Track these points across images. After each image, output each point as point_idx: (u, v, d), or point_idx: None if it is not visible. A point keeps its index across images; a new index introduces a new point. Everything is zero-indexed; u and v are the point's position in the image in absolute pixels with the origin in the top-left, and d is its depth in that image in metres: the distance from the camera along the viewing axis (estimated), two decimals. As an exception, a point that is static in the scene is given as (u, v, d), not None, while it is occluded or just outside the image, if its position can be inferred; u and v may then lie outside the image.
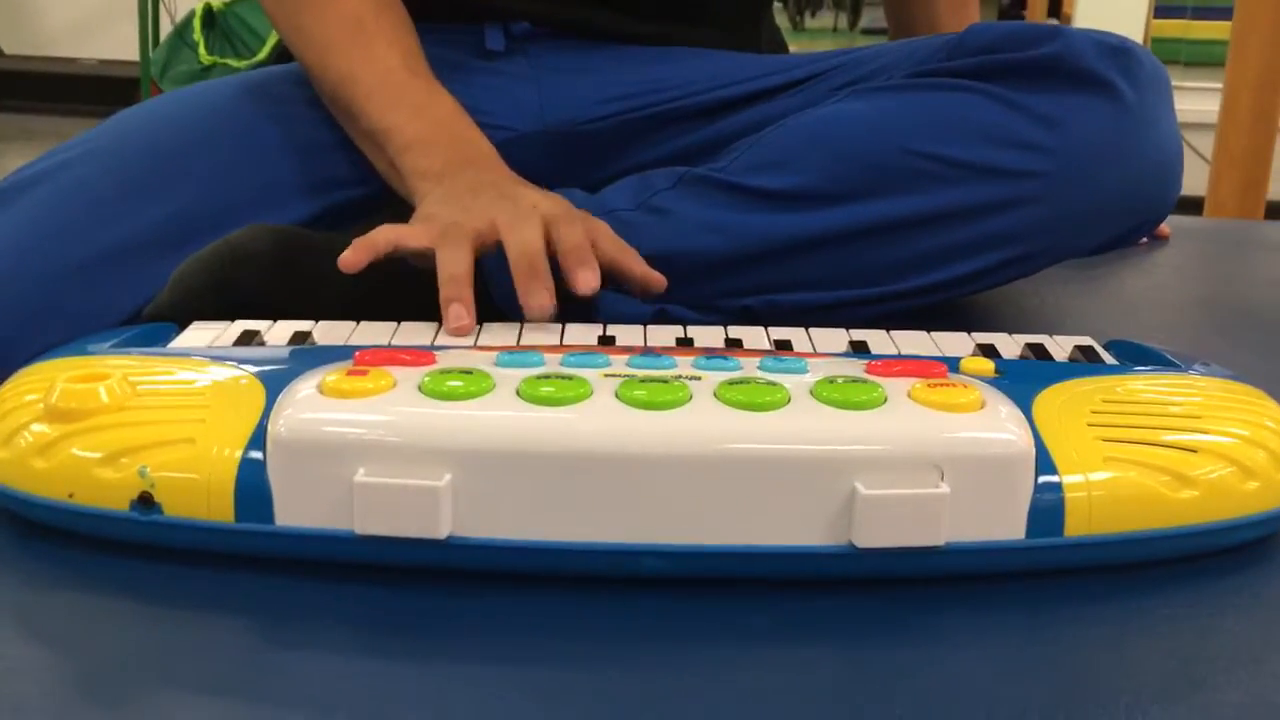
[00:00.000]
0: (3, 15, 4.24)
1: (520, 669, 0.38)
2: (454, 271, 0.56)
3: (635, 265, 0.62)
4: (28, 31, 4.25)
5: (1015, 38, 0.67)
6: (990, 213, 0.66)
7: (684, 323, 0.64)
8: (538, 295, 0.56)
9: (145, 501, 0.42)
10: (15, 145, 3.46)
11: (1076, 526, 0.42)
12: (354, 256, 0.57)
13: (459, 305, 0.55)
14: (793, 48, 0.95)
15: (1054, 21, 4.05)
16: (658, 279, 0.62)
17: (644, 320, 0.65)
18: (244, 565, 0.42)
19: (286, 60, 0.81)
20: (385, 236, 0.59)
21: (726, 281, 0.69)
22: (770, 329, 0.58)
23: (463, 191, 0.63)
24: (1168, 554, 0.44)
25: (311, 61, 0.73)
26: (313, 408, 0.42)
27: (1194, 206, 1.58)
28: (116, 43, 3.95)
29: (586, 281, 0.58)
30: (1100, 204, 0.67)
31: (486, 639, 0.40)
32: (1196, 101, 2.53)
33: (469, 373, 0.43)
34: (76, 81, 3.94)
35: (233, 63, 3.27)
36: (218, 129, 0.74)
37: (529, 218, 0.59)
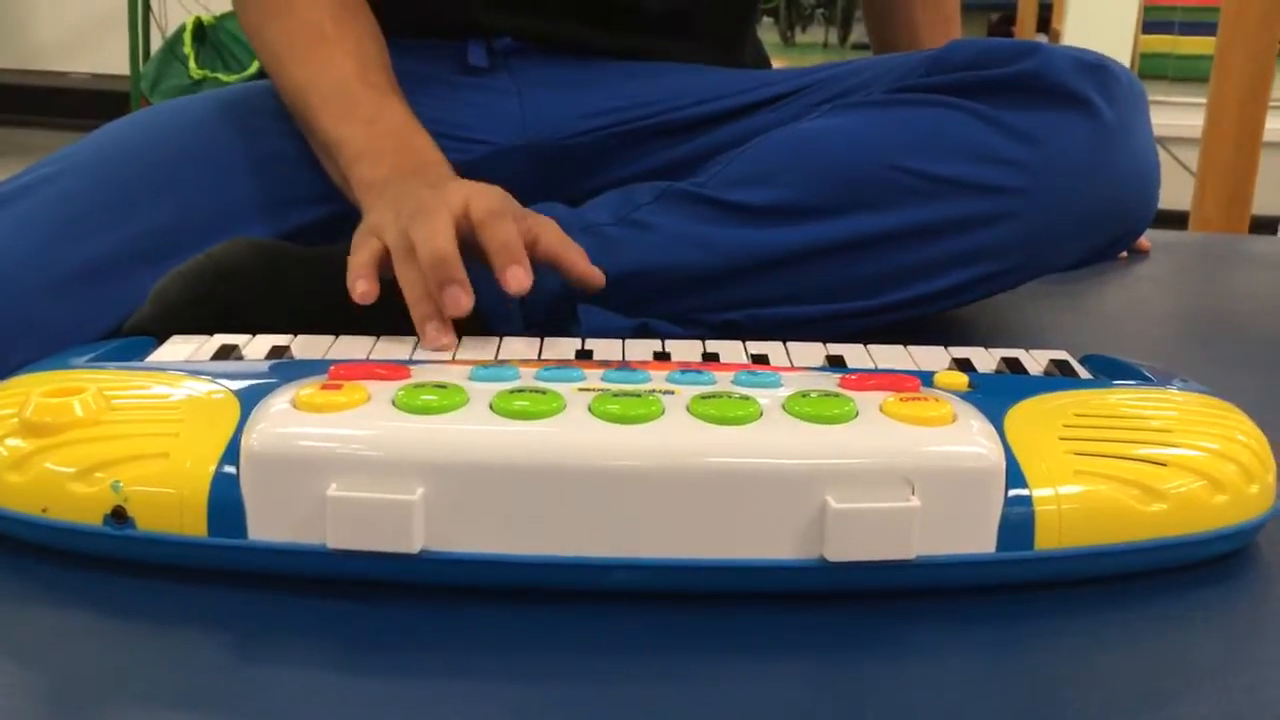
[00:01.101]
0: (-7, 29, 4.24)
1: (493, 683, 0.38)
2: (417, 293, 0.56)
3: (577, 261, 0.60)
4: (17, 45, 4.25)
5: (994, 54, 0.67)
6: (969, 228, 0.66)
7: (665, 337, 0.65)
8: (451, 295, 0.55)
9: (119, 516, 0.42)
10: (5, 159, 3.46)
11: (1047, 540, 0.42)
12: (369, 286, 0.57)
13: (434, 323, 0.55)
14: (783, 63, 0.96)
15: (1043, 38, 4.07)
16: (596, 276, 0.61)
17: (624, 334, 0.65)
18: (218, 580, 0.42)
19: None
20: (365, 250, 0.58)
21: (708, 296, 0.69)
22: (748, 343, 0.58)
23: (401, 198, 0.62)
24: (1138, 567, 0.44)
25: (274, 70, 0.73)
26: (286, 422, 0.42)
27: (1179, 221, 1.59)
28: (107, 56, 3.95)
29: (516, 279, 0.56)
30: (1078, 219, 0.67)
31: (460, 653, 0.40)
32: (1184, 116, 2.54)
33: (443, 387, 0.43)
34: (67, 95, 3.94)
35: (223, 77, 3.27)
36: (198, 144, 0.75)
37: (433, 214, 0.57)
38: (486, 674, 0.39)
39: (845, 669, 0.40)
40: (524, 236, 0.59)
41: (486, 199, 0.59)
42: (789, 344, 0.58)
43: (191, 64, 3.32)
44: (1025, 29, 4.20)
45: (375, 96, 0.69)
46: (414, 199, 0.60)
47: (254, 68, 3.30)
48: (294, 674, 0.39)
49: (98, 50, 4.06)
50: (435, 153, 0.68)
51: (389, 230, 0.59)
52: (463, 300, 0.55)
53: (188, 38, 3.35)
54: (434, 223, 0.57)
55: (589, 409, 0.42)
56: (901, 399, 0.43)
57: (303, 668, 0.39)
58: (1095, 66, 0.66)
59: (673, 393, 0.44)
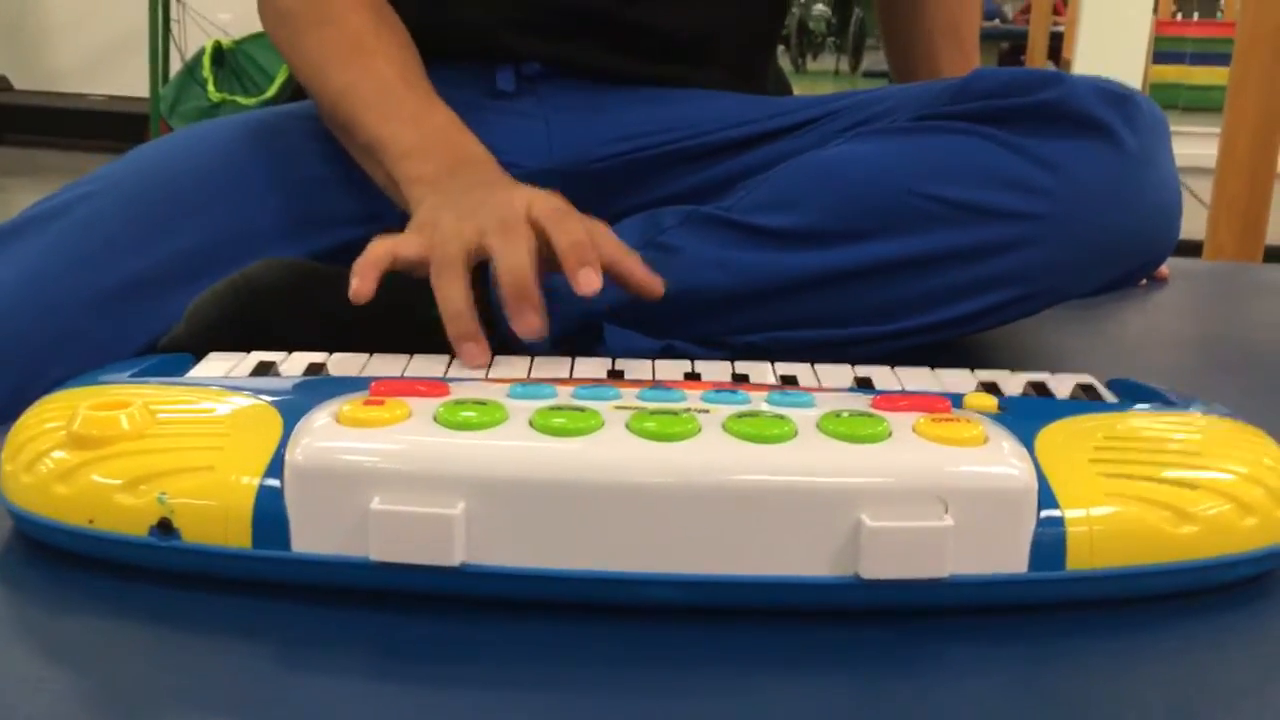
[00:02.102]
0: (13, 50, 4.29)
1: (530, 694, 0.39)
2: (456, 308, 0.56)
3: (636, 268, 0.60)
4: (37, 66, 4.30)
5: (1019, 83, 0.68)
6: (993, 254, 0.67)
7: (691, 358, 0.65)
8: (526, 317, 0.55)
9: (164, 527, 0.43)
10: (25, 180, 3.49)
11: (1078, 560, 0.42)
12: (362, 285, 0.57)
13: (471, 344, 0.56)
14: (794, 90, 0.97)
15: (1051, 65, 4.09)
16: (655, 284, 0.61)
17: (651, 355, 0.66)
18: (260, 590, 0.43)
19: (299, 98, 0.83)
20: (382, 249, 0.58)
21: (733, 318, 0.70)
22: (776, 364, 0.59)
23: (456, 195, 0.63)
24: (1168, 588, 0.45)
25: (312, 81, 0.74)
26: (330, 436, 0.43)
27: (1193, 250, 1.59)
28: (125, 78, 3.99)
29: (588, 280, 0.56)
30: (1101, 246, 0.68)
31: (498, 665, 0.40)
32: (1195, 146, 2.55)
33: (483, 404, 0.44)
34: (86, 117, 3.98)
35: (241, 100, 3.31)
36: (230, 167, 0.76)
37: (516, 231, 0.57)
38: (524, 685, 0.39)
39: (879, 685, 0.40)
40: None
41: (549, 200, 0.59)
42: (817, 365, 0.59)
43: (210, 87, 3.36)
44: (1036, 58, 4.23)
45: (418, 97, 0.71)
46: (472, 197, 0.60)
47: (271, 91, 3.33)
48: (335, 683, 0.39)
49: (116, 73, 4.10)
50: (481, 149, 0.69)
51: (444, 229, 0.59)
52: (538, 325, 0.55)
53: (207, 61, 3.39)
54: (516, 237, 0.56)
55: (626, 426, 0.43)
56: (934, 420, 0.44)
57: (344, 677, 0.40)
58: (1119, 96, 0.67)
59: (708, 411, 0.45)
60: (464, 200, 0.61)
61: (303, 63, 0.75)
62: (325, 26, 0.74)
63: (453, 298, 0.57)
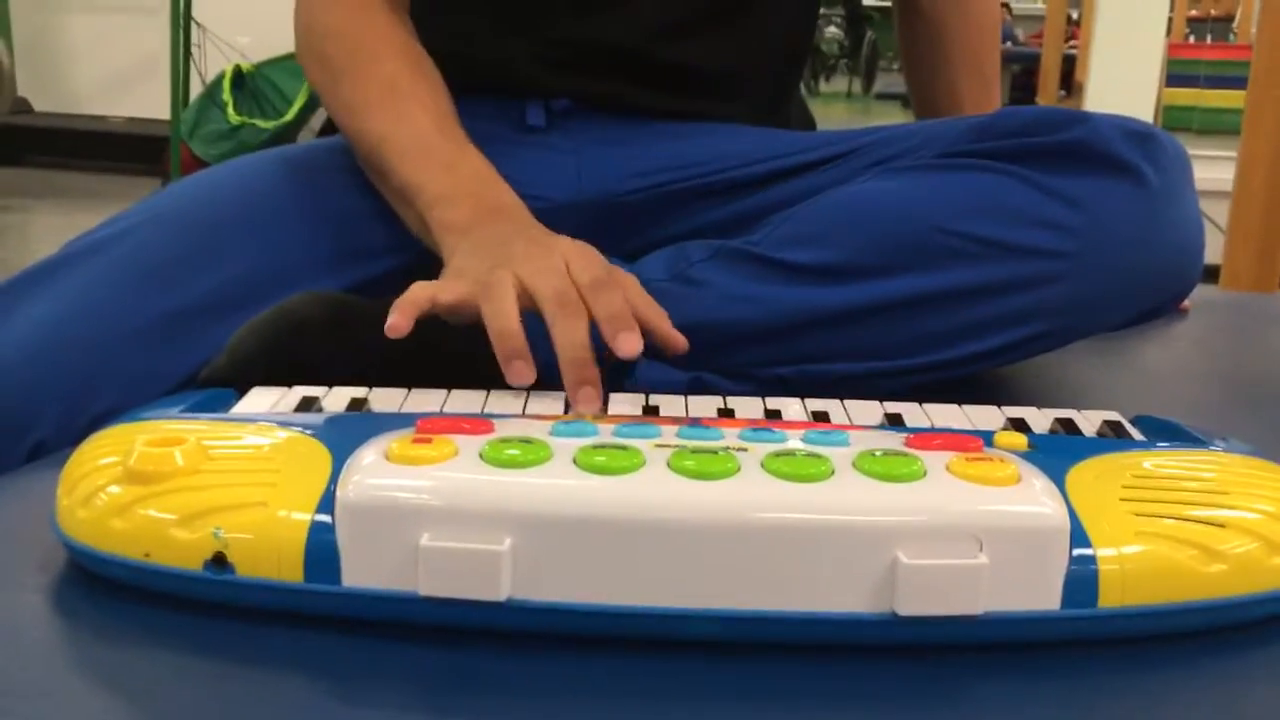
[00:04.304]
0: (33, 73, 4.33)
1: (577, 728, 0.40)
2: (504, 326, 0.58)
3: (662, 325, 0.62)
4: (58, 89, 4.34)
5: (1044, 122, 0.69)
6: (1018, 290, 0.68)
7: (719, 392, 0.66)
8: (588, 397, 0.57)
9: (219, 562, 0.44)
10: (45, 202, 3.52)
11: (1110, 598, 0.43)
12: (399, 321, 0.59)
13: (519, 362, 0.57)
14: (808, 111, 0.98)
15: (1063, 95, 4.09)
16: (679, 340, 0.63)
17: (680, 388, 0.67)
18: (312, 624, 0.44)
19: (326, 128, 0.85)
20: (421, 294, 0.60)
21: (759, 351, 0.71)
22: (807, 400, 0.60)
23: (492, 243, 0.64)
24: (1197, 626, 0.45)
25: (349, 126, 0.76)
26: (380, 474, 0.44)
27: (1210, 275, 1.60)
28: (145, 101, 4.03)
29: (630, 345, 0.58)
30: (1124, 283, 0.69)
31: (542, 698, 0.41)
32: (1208, 170, 2.56)
33: (528, 442, 0.45)
34: (106, 139, 4.02)
35: (260, 123, 3.34)
36: (267, 202, 0.78)
37: (577, 309, 0.58)
38: (568, 719, 0.40)
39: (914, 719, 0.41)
40: None
41: (587, 265, 0.61)
42: (847, 401, 0.60)
43: (230, 110, 3.39)
44: (1049, 82, 4.23)
45: (453, 146, 0.72)
46: (507, 248, 0.62)
47: (290, 114, 3.36)
48: (384, 716, 0.40)
49: (136, 94, 4.14)
50: (514, 197, 0.70)
51: (479, 267, 0.61)
52: (595, 400, 0.56)
53: (227, 84, 3.43)
54: (577, 321, 0.58)
55: (668, 465, 0.44)
56: (967, 459, 0.45)
57: (393, 710, 0.41)
58: (1143, 135, 0.68)
59: (746, 450, 0.46)
60: (500, 251, 0.63)
61: (340, 108, 0.76)
62: (361, 72, 0.75)
63: (501, 313, 0.58)
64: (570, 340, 0.58)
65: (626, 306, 0.60)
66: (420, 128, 0.73)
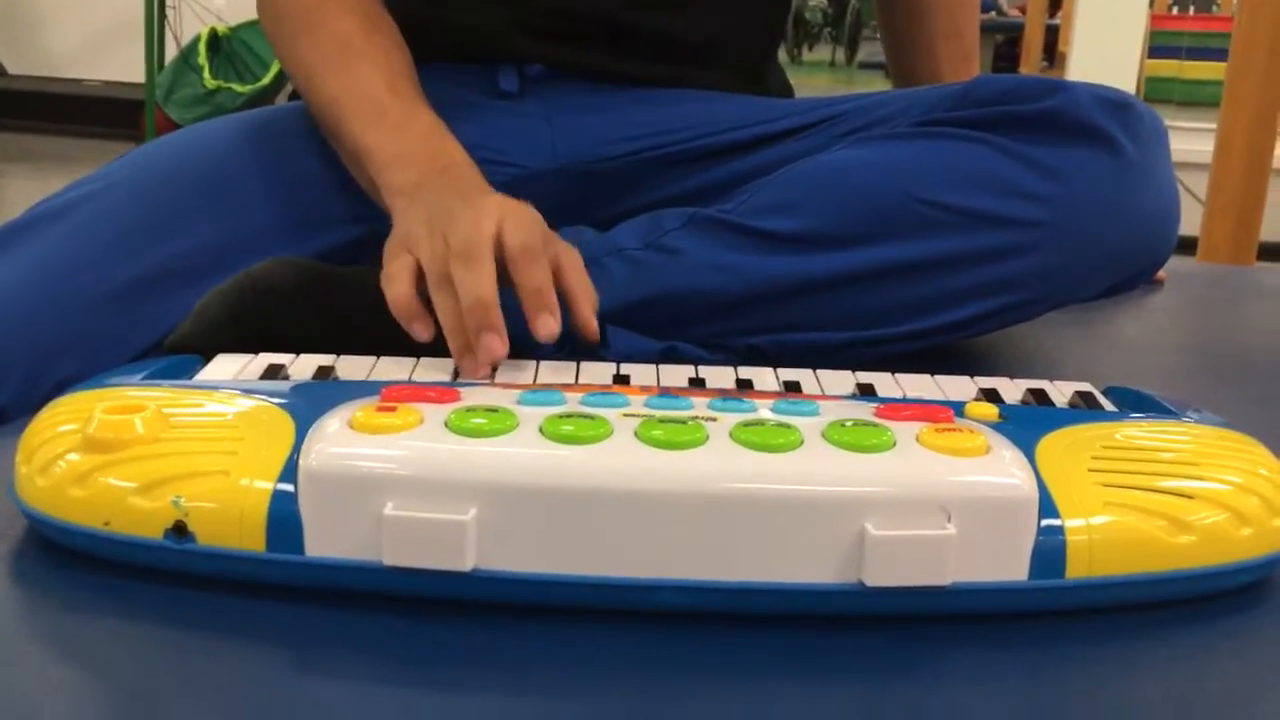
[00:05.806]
0: (7, 35, 4.27)
1: (539, 698, 0.39)
2: (395, 292, 0.59)
3: (583, 309, 0.60)
4: (32, 52, 4.28)
5: (1021, 91, 0.69)
6: (992, 259, 0.67)
7: (693, 361, 0.66)
8: (490, 345, 0.56)
9: (179, 530, 0.43)
10: (19, 166, 3.48)
11: (1078, 569, 0.43)
12: (425, 330, 0.58)
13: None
14: (791, 80, 0.97)
15: (1046, 65, 4.09)
16: (593, 330, 0.61)
17: (653, 358, 0.67)
18: (274, 594, 0.44)
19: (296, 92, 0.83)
20: (393, 292, 0.60)
21: (734, 321, 0.71)
22: (779, 370, 0.59)
23: (432, 206, 0.63)
24: (1165, 597, 0.45)
25: (304, 86, 0.75)
26: (343, 442, 0.43)
27: (1187, 246, 1.60)
28: (121, 65, 3.97)
29: (546, 326, 0.57)
30: (1099, 253, 0.69)
31: (509, 670, 0.41)
32: (1190, 141, 2.56)
33: (494, 411, 0.45)
34: (81, 103, 3.97)
35: (237, 87, 3.30)
36: (232, 167, 0.76)
37: (479, 262, 0.57)
38: (532, 689, 0.40)
39: (881, 690, 0.41)
40: (550, 264, 0.59)
41: (520, 229, 0.59)
42: (819, 371, 0.59)
43: (206, 74, 3.35)
44: (1032, 51, 4.23)
45: (403, 105, 0.71)
46: (446, 210, 0.61)
47: (267, 78, 3.32)
48: (348, 687, 0.40)
49: (112, 58, 4.08)
50: (463, 155, 0.69)
51: (422, 246, 0.60)
52: (498, 349, 0.56)
53: (202, 48, 3.38)
54: (477, 267, 0.57)
55: (635, 434, 0.44)
56: (937, 429, 0.45)
57: (356, 680, 0.40)
58: (1119, 104, 0.68)
59: (715, 419, 0.46)
60: (438, 214, 0.61)
61: (295, 67, 0.75)
62: (316, 31, 0.74)
63: (450, 310, 0.57)
64: (468, 291, 0.56)
65: (550, 282, 0.58)
66: (372, 87, 0.71)
